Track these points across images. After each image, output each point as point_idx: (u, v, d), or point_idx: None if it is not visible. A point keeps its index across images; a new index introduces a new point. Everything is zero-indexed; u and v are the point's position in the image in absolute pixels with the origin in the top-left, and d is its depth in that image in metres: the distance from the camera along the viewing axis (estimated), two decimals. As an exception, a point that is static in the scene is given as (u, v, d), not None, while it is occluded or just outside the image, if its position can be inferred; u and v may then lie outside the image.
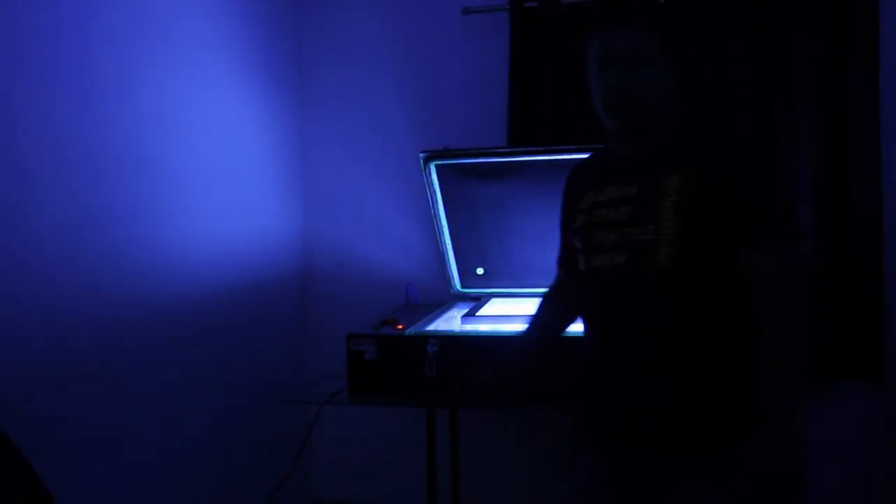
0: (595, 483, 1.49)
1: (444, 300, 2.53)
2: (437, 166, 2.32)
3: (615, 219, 1.42)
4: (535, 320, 1.69)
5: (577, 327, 1.82)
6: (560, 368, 1.81)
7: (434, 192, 2.36)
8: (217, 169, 2.36)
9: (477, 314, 2.15)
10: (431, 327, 2.08)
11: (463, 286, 2.53)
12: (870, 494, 2.43)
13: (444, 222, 2.42)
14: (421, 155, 2.29)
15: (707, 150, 1.41)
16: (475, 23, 2.66)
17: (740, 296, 1.38)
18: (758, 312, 1.35)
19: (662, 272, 1.35)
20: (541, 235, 2.33)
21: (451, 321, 2.21)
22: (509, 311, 2.22)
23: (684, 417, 1.36)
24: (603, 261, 1.44)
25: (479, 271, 2.48)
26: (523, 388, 1.68)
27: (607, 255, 1.43)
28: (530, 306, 2.27)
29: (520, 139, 2.53)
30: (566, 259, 1.67)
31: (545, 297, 1.73)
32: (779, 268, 1.33)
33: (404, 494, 2.79)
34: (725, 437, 1.35)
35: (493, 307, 2.33)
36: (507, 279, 2.47)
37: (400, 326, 2.01)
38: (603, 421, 1.45)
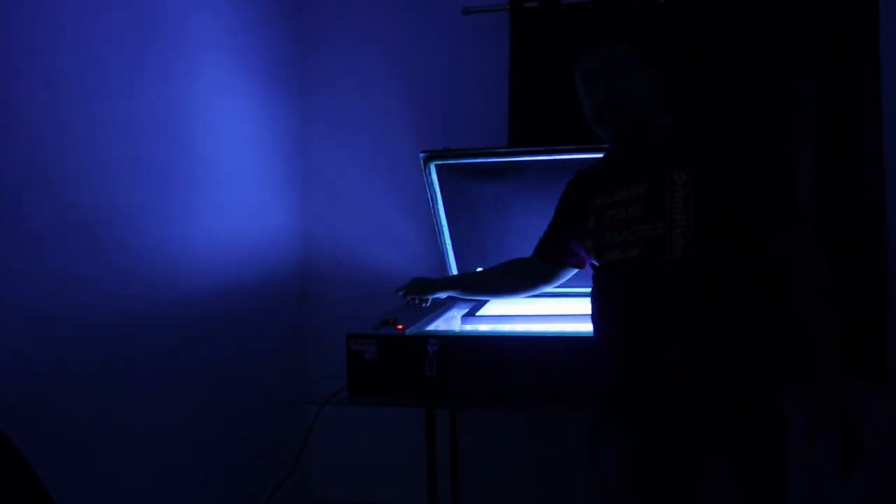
0: (622, 468, 1.54)
1: (444, 300, 2.52)
2: (437, 166, 2.32)
3: (626, 217, 1.51)
4: (482, 275, 1.95)
5: (579, 327, 1.80)
6: (561, 370, 1.82)
7: (434, 191, 2.36)
8: (217, 169, 2.36)
9: (477, 314, 2.15)
10: (431, 327, 2.08)
11: (463, 286, 2.52)
12: (870, 494, 2.43)
13: (444, 222, 2.42)
14: (421, 155, 2.29)
15: (712, 145, 1.49)
16: (475, 23, 2.66)
17: (755, 279, 1.46)
18: (780, 291, 1.45)
19: (676, 263, 1.43)
20: (541, 235, 2.33)
21: (451, 321, 2.21)
22: (509, 311, 2.22)
23: (707, 397, 1.43)
24: (615, 255, 1.53)
25: (479, 271, 2.48)
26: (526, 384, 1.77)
27: (619, 251, 1.52)
28: (530, 306, 2.28)
29: (520, 139, 2.53)
30: (547, 248, 1.83)
31: (507, 263, 1.95)
32: (805, 246, 1.44)
33: (404, 494, 2.79)
34: (748, 416, 1.43)
35: (493, 307, 2.32)
36: (508, 279, 2.47)
37: (400, 326, 2.01)
38: (629, 405, 1.51)
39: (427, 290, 1.98)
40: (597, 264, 1.60)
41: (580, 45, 1.59)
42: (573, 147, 2.21)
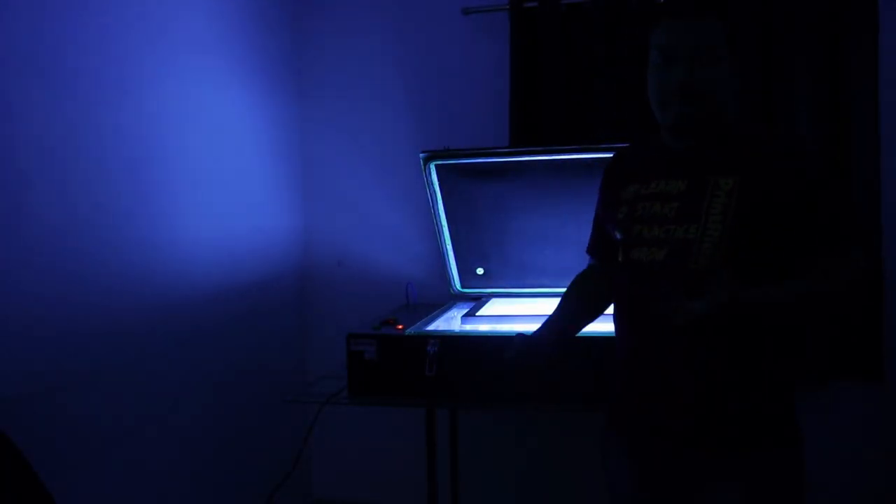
0: (632, 480, 1.46)
1: (444, 300, 2.53)
2: (437, 166, 2.32)
3: (660, 213, 1.38)
4: (558, 314, 1.60)
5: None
6: (561, 370, 1.82)
7: (434, 192, 2.36)
8: (217, 169, 2.36)
9: (477, 314, 2.15)
10: (431, 327, 2.08)
11: (463, 286, 2.53)
12: (869, 494, 2.44)
13: (444, 222, 2.42)
14: (421, 155, 2.29)
15: (769, 153, 1.34)
16: (475, 23, 2.66)
17: None
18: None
19: (698, 274, 1.29)
20: (541, 235, 2.34)
21: (451, 321, 2.21)
22: (509, 311, 2.22)
23: (720, 414, 1.33)
24: (641, 254, 1.39)
25: (479, 271, 2.48)
26: (526, 384, 1.65)
27: (647, 249, 1.38)
28: (530, 306, 2.28)
29: (520, 139, 2.53)
30: (599, 247, 1.62)
31: (571, 286, 1.65)
32: (839, 269, 1.30)
33: (404, 494, 2.79)
34: (761, 434, 1.33)
35: (493, 307, 2.33)
36: (507, 279, 2.47)
37: (400, 326, 2.01)
38: (637, 417, 1.43)
39: (534, 354, 1.55)
40: (621, 258, 1.46)
41: (668, 8, 1.38)
42: (573, 147, 2.21)
